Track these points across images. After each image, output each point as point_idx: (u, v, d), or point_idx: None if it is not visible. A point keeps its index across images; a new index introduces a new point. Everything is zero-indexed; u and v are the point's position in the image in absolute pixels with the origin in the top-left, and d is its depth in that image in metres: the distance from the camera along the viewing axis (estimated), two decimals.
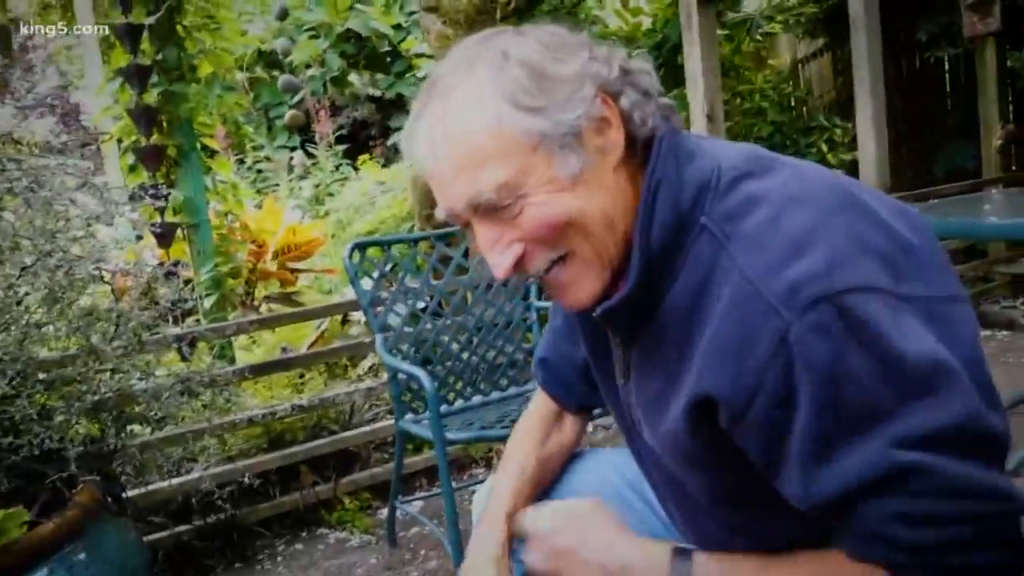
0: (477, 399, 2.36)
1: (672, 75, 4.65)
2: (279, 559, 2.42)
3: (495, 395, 2.38)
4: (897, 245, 0.73)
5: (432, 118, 0.80)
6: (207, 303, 2.96)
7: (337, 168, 8.32)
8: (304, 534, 2.54)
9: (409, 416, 2.22)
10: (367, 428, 2.67)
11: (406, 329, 2.27)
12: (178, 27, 2.90)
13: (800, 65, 5.87)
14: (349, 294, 3.86)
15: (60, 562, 1.44)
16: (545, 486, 1.13)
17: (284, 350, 3.47)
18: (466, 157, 0.78)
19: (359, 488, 2.67)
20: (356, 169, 8.36)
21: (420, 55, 5.48)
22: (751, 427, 0.72)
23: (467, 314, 2.37)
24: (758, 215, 0.74)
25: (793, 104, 5.52)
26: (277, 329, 3.72)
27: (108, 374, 1.58)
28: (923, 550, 0.68)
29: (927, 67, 5.35)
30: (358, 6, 4.80)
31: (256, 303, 3.80)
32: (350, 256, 2.20)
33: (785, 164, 0.81)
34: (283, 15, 4.74)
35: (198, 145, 2.98)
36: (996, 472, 0.69)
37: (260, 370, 2.50)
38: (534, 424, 1.15)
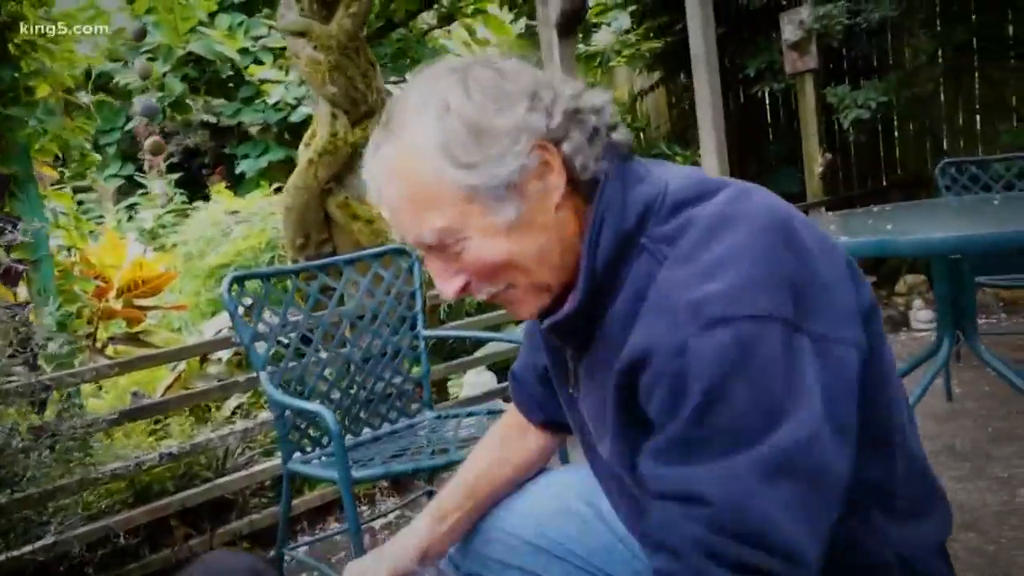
0: (367, 433, 2.28)
1: None
2: None
3: (385, 428, 2.32)
4: (810, 277, 0.78)
5: (384, 156, 0.85)
6: (51, 347, 2.68)
7: (171, 199, 7.86)
8: None
9: (298, 456, 2.11)
10: (243, 473, 2.51)
11: (291, 364, 2.16)
12: (10, 45, 2.63)
13: (639, 97, 6.22)
14: (208, 331, 3.64)
15: None
16: (494, 499, 1.15)
17: (136, 395, 3.21)
18: (410, 199, 0.84)
19: (237, 537, 2.50)
20: (190, 200, 7.94)
21: (267, 81, 5.30)
22: (656, 405, 0.77)
23: (352, 346, 2.30)
24: (691, 236, 0.80)
25: (633, 134, 5.86)
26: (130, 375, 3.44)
27: None
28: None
29: (753, 101, 5.83)
30: (201, 28, 4.58)
31: (100, 345, 3.49)
32: (229, 290, 2.07)
33: (731, 186, 0.86)
34: (141, 35, 4.43)
35: (35, 174, 2.71)
36: (812, 520, 0.73)
37: (129, 416, 2.29)
38: (494, 439, 1.19)
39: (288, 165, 5.47)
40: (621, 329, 0.82)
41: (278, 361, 2.15)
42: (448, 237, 0.83)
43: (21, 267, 2.59)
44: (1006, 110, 5.03)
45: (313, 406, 1.80)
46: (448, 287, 0.87)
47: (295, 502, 2.60)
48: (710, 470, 0.73)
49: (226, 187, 6.96)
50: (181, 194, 8.11)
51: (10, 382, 1.58)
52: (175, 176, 8.28)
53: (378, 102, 2.74)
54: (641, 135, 6.04)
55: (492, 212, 0.82)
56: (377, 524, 2.58)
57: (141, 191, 7.40)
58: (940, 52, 4.78)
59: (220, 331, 3.51)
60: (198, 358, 3.46)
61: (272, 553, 2.50)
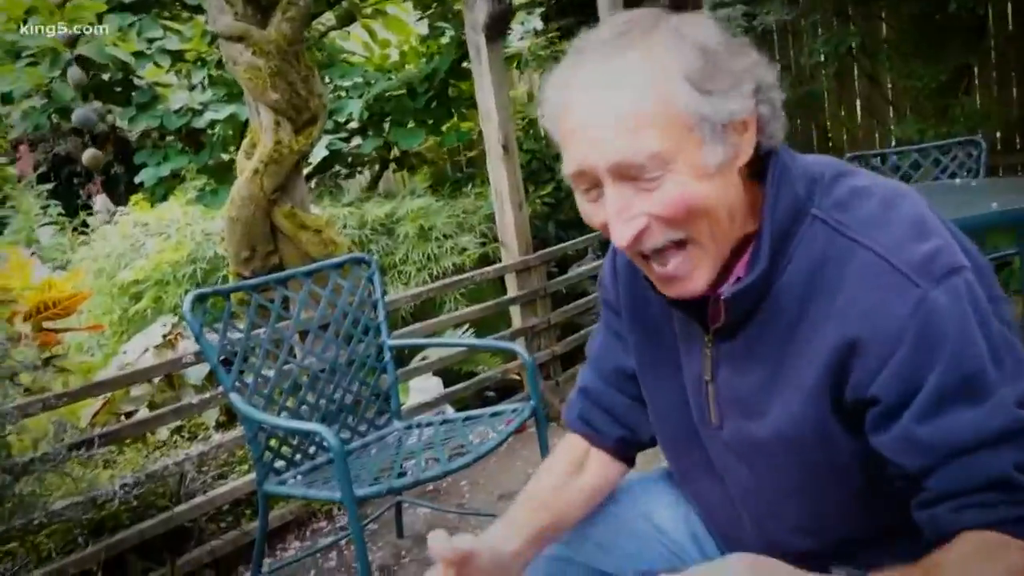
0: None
1: (445, 106, 4.77)
2: None
3: (356, 441, 2.27)
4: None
5: (602, 71, 0.80)
6: None
7: (44, 210, 7.33)
8: None
9: (273, 478, 2.04)
10: (202, 498, 2.40)
11: (265, 372, 2.08)
12: None
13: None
14: (130, 351, 3.44)
15: None
16: (555, 532, 1.08)
17: (60, 426, 2.99)
18: (630, 117, 0.78)
19: (199, 566, 2.38)
20: (65, 213, 7.42)
21: (166, 85, 5.03)
22: (890, 374, 0.77)
23: (319, 358, 2.24)
24: (870, 204, 0.83)
25: (544, 134, 5.92)
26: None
27: None
28: None
29: None
30: (89, 30, 4.30)
31: (10, 374, 3.23)
32: (192, 309, 1.97)
33: (860, 170, 0.91)
34: (72, 42, 4.08)
35: None
36: None
37: (76, 447, 2.13)
38: (560, 459, 1.12)
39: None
40: (799, 300, 0.83)
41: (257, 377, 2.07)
42: (655, 164, 0.78)
43: None
44: (885, 105, 5.43)
45: (311, 426, 1.76)
46: (626, 229, 0.81)
47: (249, 526, 2.51)
48: (990, 410, 0.74)
49: (104, 199, 6.56)
50: (55, 206, 7.57)
51: None
52: (46, 187, 7.72)
53: (319, 107, 2.67)
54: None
55: (705, 149, 0.79)
56: (343, 541, 2.52)
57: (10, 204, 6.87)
58: (829, 54, 5.10)
59: (146, 350, 3.33)
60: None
61: None
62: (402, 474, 1.87)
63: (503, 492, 2.75)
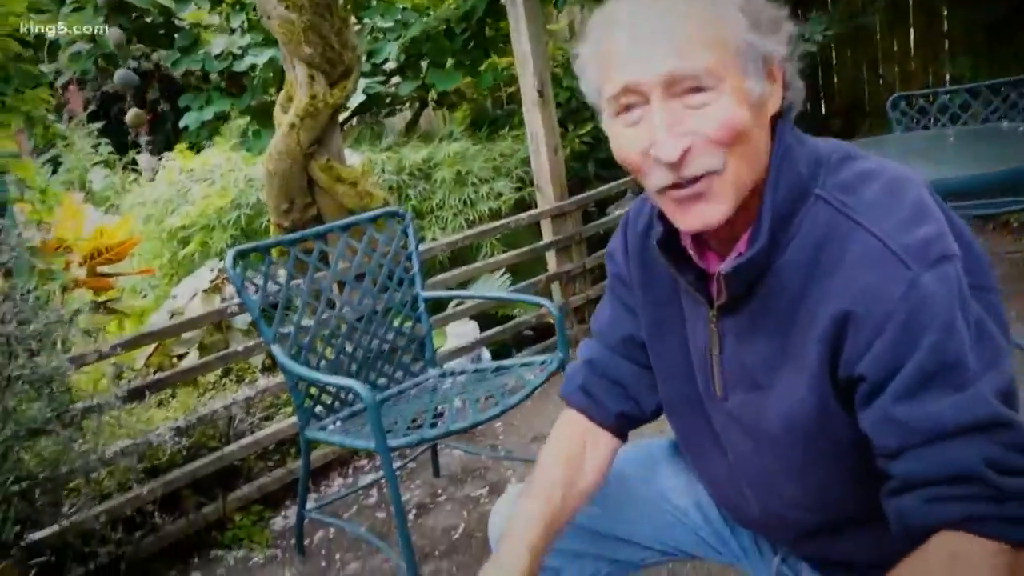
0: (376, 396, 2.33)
1: (482, 47, 4.73)
2: None
3: (393, 388, 2.37)
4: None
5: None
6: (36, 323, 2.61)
7: (95, 148, 7.51)
8: (197, 560, 2.39)
9: (314, 424, 2.16)
10: (249, 440, 2.54)
11: (304, 323, 2.18)
12: None
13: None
14: (180, 295, 3.58)
15: None
16: (572, 512, 1.08)
17: (117, 369, 3.16)
18: (684, 34, 0.81)
19: (248, 502, 2.54)
20: (117, 152, 7.58)
21: (206, 27, 5.08)
22: (879, 352, 0.79)
23: (355, 309, 2.32)
24: (874, 188, 0.85)
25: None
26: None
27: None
28: (1011, 497, 0.74)
29: None
30: None
31: (70, 317, 3.40)
32: (233, 265, 2.06)
33: (867, 153, 0.92)
34: None
35: None
36: None
37: (134, 394, 2.28)
38: (563, 446, 1.11)
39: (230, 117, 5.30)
40: (801, 277, 0.85)
41: (296, 329, 2.16)
42: (709, 79, 0.81)
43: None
44: (940, 40, 5.21)
45: (345, 381, 1.84)
46: (675, 145, 0.82)
47: (294, 464, 2.65)
48: (968, 397, 0.76)
49: (151, 142, 6.68)
50: (106, 144, 7.75)
51: (28, 371, 1.55)
52: (96, 126, 7.88)
53: (353, 60, 2.70)
54: None
55: (748, 78, 0.83)
56: (383, 480, 2.65)
57: (64, 143, 7.03)
58: None
59: (196, 294, 3.46)
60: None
61: (283, 515, 2.56)
62: (434, 424, 1.96)
63: (536, 434, 2.85)
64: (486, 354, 3.49)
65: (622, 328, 1.12)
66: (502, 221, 3.37)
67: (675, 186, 0.85)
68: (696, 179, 0.84)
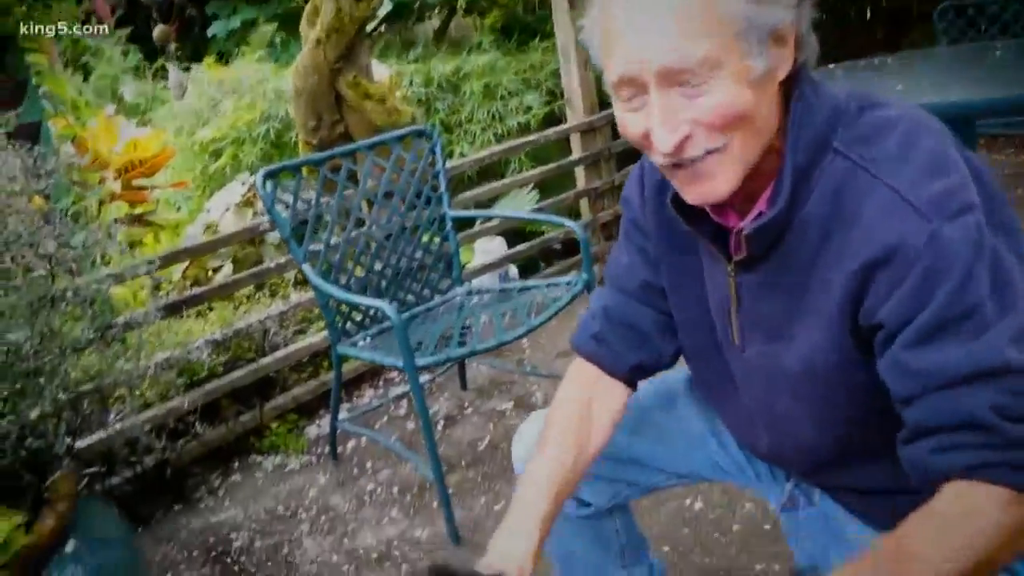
0: (404, 313, 2.39)
1: None
2: (220, 493, 2.40)
3: (421, 306, 2.43)
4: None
5: None
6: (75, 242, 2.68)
7: (125, 55, 7.48)
8: (237, 464, 2.52)
9: (345, 340, 2.23)
10: (283, 352, 2.63)
11: (333, 241, 2.22)
12: None
13: None
14: (213, 208, 3.64)
15: (60, 555, 1.39)
16: (587, 462, 1.09)
17: (155, 281, 3.25)
18: (679, 22, 0.79)
19: (283, 411, 2.66)
20: (148, 57, 7.54)
21: None
22: (900, 300, 0.80)
23: (383, 228, 2.35)
24: (892, 138, 0.84)
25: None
26: (140, 255, 3.47)
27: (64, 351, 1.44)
28: (1018, 444, 0.75)
29: None
30: None
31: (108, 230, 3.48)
32: (263, 185, 2.09)
33: (890, 99, 0.90)
34: None
35: (29, 64, 2.60)
36: None
37: (173, 308, 2.36)
38: (574, 407, 1.10)
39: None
40: (820, 232, 0.85)
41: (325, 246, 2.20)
42: (704, 69, 0.79)
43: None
44: None
45: (375, 302, 1.89)
46: (671, 136, 0.82)
47: (326, 376, 2.74)
48: (981, 344, 0.77)
49: (179, 49, 6.63)
50: (135, 51, 7.70)
51: (70, 291, 1.61)
52: (125, 31, 7.82)
53: None
54: None
55: (750, 56, 0.80)
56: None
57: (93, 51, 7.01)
58: None
59: (229, 208, 3.52)
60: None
61: (316, 423, 2.68)
62: (461, 343, 2.02)
63: (560, 350, 2.90)
64: (513, 270, 3.52)
65: (639, 274, 1.11)
66: (531, 137, 3.34)
67: (677, 165, 0.86)
68: (699, 158, 0.84)
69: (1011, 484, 0.76)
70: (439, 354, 1.90)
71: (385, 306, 1.81)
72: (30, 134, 2.00)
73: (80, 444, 2.16)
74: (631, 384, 1.14)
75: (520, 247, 3.33)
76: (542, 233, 3.72)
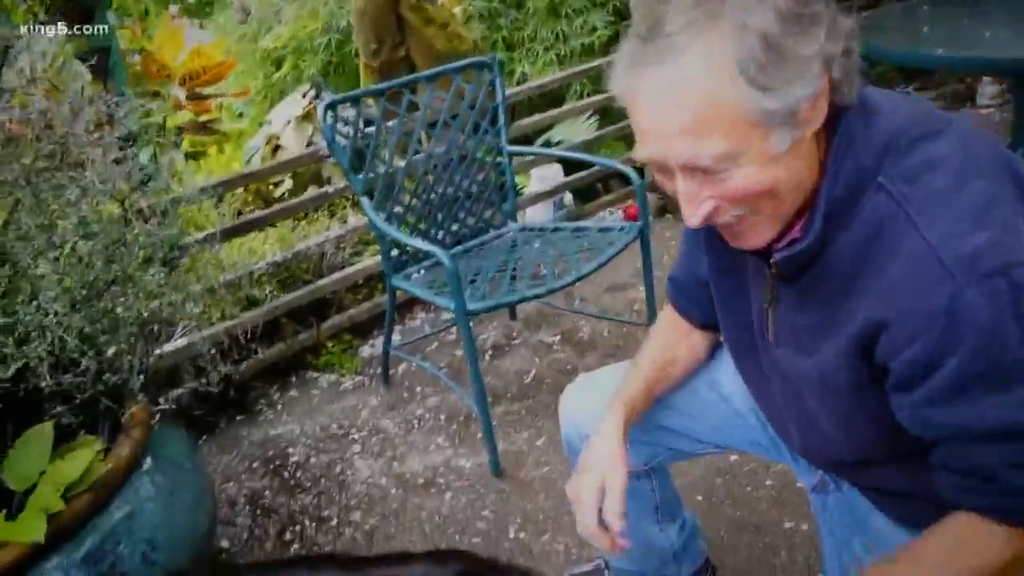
0: (458, 248, 2.43)
1: None
2: (279, 407, 2.54)
3: (473, 241, 2.46)
4: None
5: (660, 75, 0.79)
6: (144, 155, 2.77)
7: None
8: (295, 380, 2.66)
9: (399, 272, 2.29)
10: (340, 275, 2.71)
11: (391, 171, 2.25)
12: None
13: None
14: (275, 120, 3.68)
15: (137, 479, 1.51)
16: (662, 392, 1.25)
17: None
18: (692, 122, 0.79)
19: (339, 331, 2.77)
20: None
21: None
22: (912, 357, 0.81)
23: (440, 160, 2.37)
24: (938, 180, 0.81)
25: None
26: (203, 165, 3.56)
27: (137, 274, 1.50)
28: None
29: None
30: None
31: (171, 137, 3.56)
32: (325, 117, 2.11)
33: (952, 124, 0.87)
34: None
35: None
36: None
37: (236, 231, 2.44)
38: (661, 342, 1.26)
39: None
40: (851, 265, 0.86)
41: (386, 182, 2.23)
42: (723, 164, 0.81)
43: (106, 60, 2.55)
44: None
45: (429, 247, 1.92)
46: (698, 212, 0.86)
47: (381, 298, 2.83)
48: (998, 405, 0.79)
49: None
50: None
51: (143, 237, 1.66)
52: None
53: None
54: None
55: (771, 138, 0.80)
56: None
57: None
58: None
59: (290, 121, 3.55)
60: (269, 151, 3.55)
61: (369, 344, 2.78)
62: (512, 288, 2.06)
63: (610, 285, 2.93)
64: (568, 197, 3.52)
65: (695, 266, 1.18)
66: (595, 63, 3.26)
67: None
68: (731, 223, 0.88)
69: (1009, 522, 0.84)
70: (489, 299, 1.95)
71: (439, 252, 1.85)
72: (102, 66, 2.03)
73: (150, 360, 2.29)
74: (711, 331, 1.24)
75: (577, 175, 3.31)
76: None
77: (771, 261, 0.94)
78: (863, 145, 0.85)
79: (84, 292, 1.36)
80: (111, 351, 1.42)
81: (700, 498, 1.90)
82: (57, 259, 1.34)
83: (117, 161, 1.53)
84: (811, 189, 0.88)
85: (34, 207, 1.36)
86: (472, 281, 2.12)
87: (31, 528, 1.24)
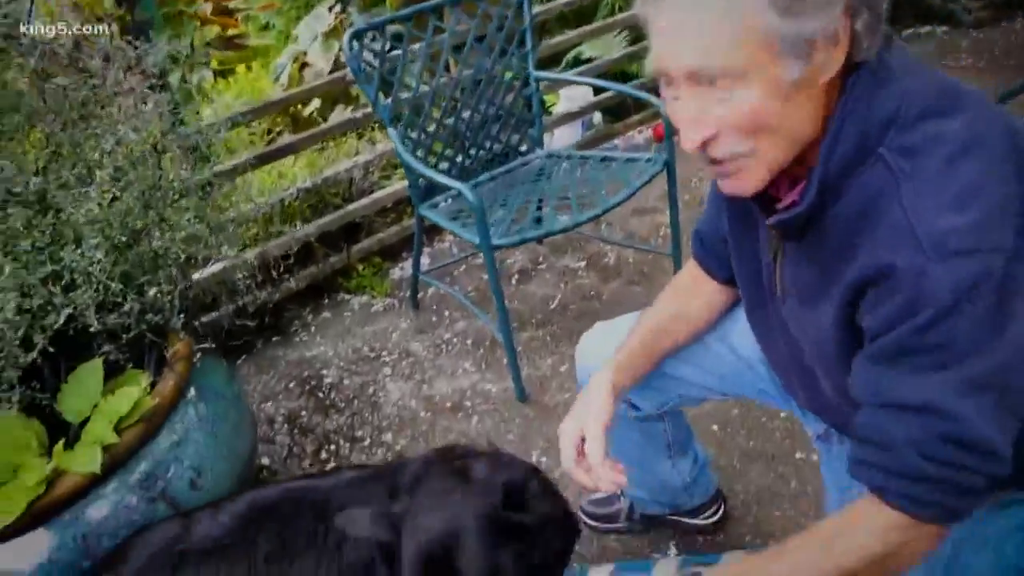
0: (484, 176, 2.45)
1: None
2: (312, 329, 2.63)
3: (500, 168, 2.48)
4: None
5: None
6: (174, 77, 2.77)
7: None
8: (327, 302, 2.74)
9: (427, 201, 2.32)
10: (369, 199, 2.75)
11: (417, 96, 2.25)
12: None
13: None
14: (302, 36, 3.64)
15: (183, 410, 1.61)
16: (673, 350, 1.30)
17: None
18: (708, 31, 0.81)
19: (369, 254, 2.83)
20: None
21: None
22: (879, 317, 0.85)
23: (467, 86, 2.35)
24: (936, 156, 0.82)
25: None
26: (232, 84, 3.56)
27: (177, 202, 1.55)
28: (923, 479, 0.84)
29: None
30: None
31: (200, 55, 3.55)
32: (350, 46, 2.11)
33: (969, 98, 0.87)
34: None
35: None
36: (1006, 431, 0.83)
37: (267, 158, 2.48)
38: (675, 293, 1.31)
39: None
40: (845, 233, 0.88)
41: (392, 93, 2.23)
42: (730, 80, 0.81)
43: None
44: None
45: (455, 183, 1.94)
46: (694, 136, 0.86)
47: (409, 222, 2.87)
48: (924, 381, 0.82)
49: None
50: None
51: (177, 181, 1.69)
52: None
53: None
54: None
55: (781, 66, 0.81)
56: None
57: None
58: None
59: (316, 36, 3.52)
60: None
61: (398, 268, 2.85)
62: (537, 219, 2.09)
63: (637, 207, 2.93)
64: (598, 116, 3.48)
65: (716, 222, 1.20)
66: None
67: (709, 161, 0.90)
68: (723, 160, 0.88)
69: (904, 510, 0.87)
70: (514, 234, 1.98)
71: (464, 188, 1.87)
72: None
73: (189, 296, 2.38)
74: (731, 286, 1.25)
75: (607, 94, 3.26)
76: (633, 76, 3.62)
77: (767, 223, 0.97)
78: (869, 110, 0.85)
79: (124, 238, 1.42)
80: (152, 291, 1.49)
81: (716, 427, 1.98)
82: (100, 205, 1.40)
83: (145, 101, 1.56)
84: (809, 145, 0.89)
85: (71, 154, 1.41)
86: (502, 205, 2.15)
87: (88, 459, 1.35)
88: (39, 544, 1.35)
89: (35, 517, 1.33)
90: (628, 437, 1.51)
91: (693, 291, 1.30)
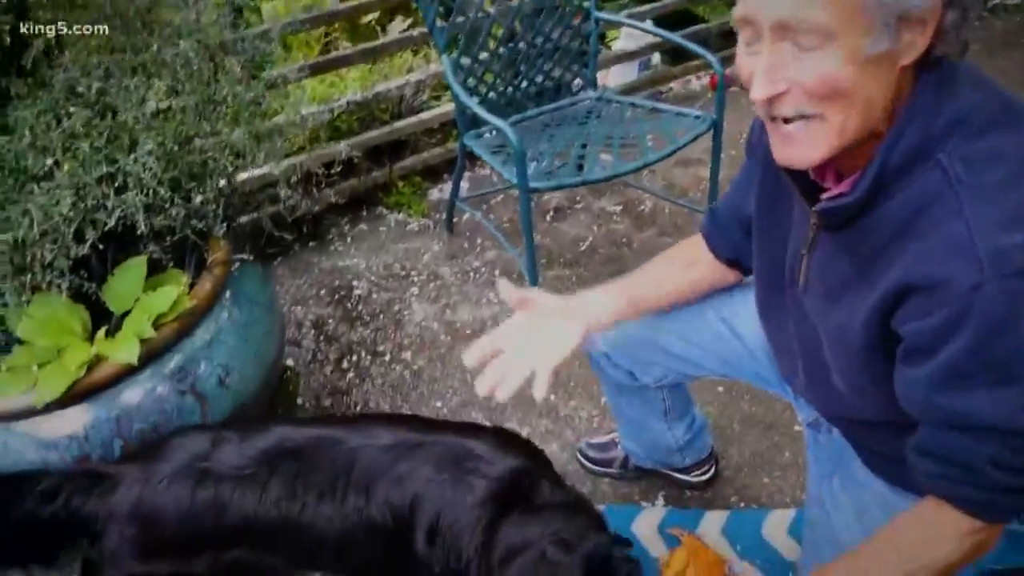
0: (532, 110, 2.46)
1: None
2: (348, 240, 2.71)
3: (550, 105, 2.48)
4: None
5: None
6: None
7: None
8: (365, 214, 2.81)
9: (472, 131, 2.35)
10: (416, 119, 2.78)
11: (474, 22, 2.26)
12: None
13: None
14: None
15: (218, 311, 1.70)
16: (665, 310, 1.34)
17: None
18: None
19: (411, 173, 2.87)
20: None
21: None
22: (923, 328, 0.86)
23: (525, 21, 2.34)
24: (996, 172, 0.83)
25: None
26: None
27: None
28: (1004, 490, 0.88)
29: None
30: None
31: None
32: None
33: None
34: None
35: None
36: None
37: (321, 68, 2.51)
38: (679, 262, 1.33)
39: None
40: (890, 233, 0.88)
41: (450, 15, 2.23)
42: (818, 37, 0.80)
43: None
44: None
45: (499, 122, 1.97)
46: (766, 87, 0.85)
47: (453, 144, 2.89)
48: (990, 399, 0.84)
49: None
50: None
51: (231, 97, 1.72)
52: None
53: None
54: None
55: (870, 35, 0.80)
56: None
57: None
58: None
59: None
60: None
61: (437, 191, 2.89)
62: (579, 166, 2.11)
63: (681, 158, 2.90)
64: (656, 58, 3.42)
65: (742, 197, 1.21)
66: None
67: (773, 119, 0.89)
68: (790, 119, 0.86)
69: (979, 516, 0.91)
70: (552, 179, 2.01)
71: (508, 130, 1.90)
72: None
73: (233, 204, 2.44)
74: (733, 267, 1.30)
75: (666, 36, 3.18)
76: (698, 19, 3.52)
77: (813, 209, 0.96)
78: (936, 115, 0.85)
79: (175, 147, 1.48)
80: (198, 199, 1.56)
81: (720, 389, 2.03)
82: (157, 114, 1.46)
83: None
84: (869, 138, 0.88)
85: (132, 61, 1.46)
86: (548, 140, 2.16)
87: (127, 350, 1.45)
88: (77, 419, 1.47)
89: (74, 396, 1.45)
90: (626, 400, 1.58)
91: (698, 264, 1.32)
